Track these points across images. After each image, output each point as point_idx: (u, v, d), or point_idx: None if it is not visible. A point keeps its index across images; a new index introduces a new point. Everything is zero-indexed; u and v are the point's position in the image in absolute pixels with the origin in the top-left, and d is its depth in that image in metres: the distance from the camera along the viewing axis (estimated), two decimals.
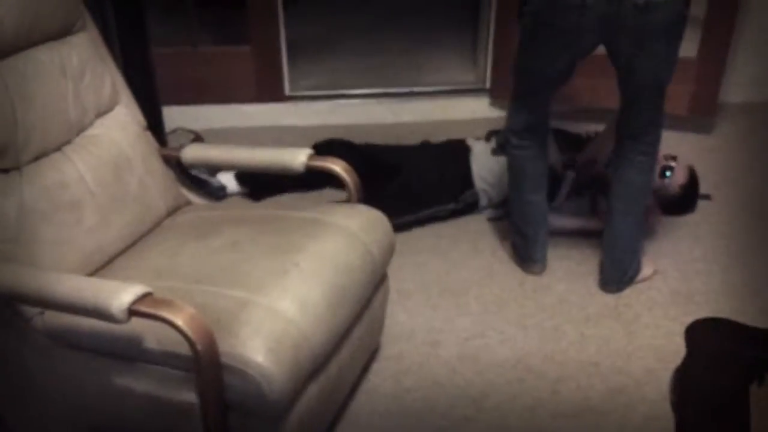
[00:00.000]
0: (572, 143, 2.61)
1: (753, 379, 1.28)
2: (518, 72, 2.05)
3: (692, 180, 2.40)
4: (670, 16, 1.77)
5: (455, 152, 2.58)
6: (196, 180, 2.54)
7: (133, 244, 1.66)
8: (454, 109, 3.20)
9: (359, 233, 1.63)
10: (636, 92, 1.95)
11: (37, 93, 1.53)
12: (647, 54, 1.84)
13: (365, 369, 1.85)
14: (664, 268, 2.25)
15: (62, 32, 1.63)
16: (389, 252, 1.73)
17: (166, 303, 1.24)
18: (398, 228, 2.30)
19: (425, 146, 2.75)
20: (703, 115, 2.98)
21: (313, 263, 1.50)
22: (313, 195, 2.58)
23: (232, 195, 2.60)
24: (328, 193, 2.56)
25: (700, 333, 1.42)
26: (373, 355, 1.90)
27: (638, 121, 2.00)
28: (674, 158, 2.34)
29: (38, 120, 1.53)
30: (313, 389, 1.45)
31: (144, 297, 1.24)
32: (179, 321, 1.22)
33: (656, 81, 1.91)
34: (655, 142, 2.02)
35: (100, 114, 1.70)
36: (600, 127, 2.55)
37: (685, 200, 2.39)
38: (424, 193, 2.46)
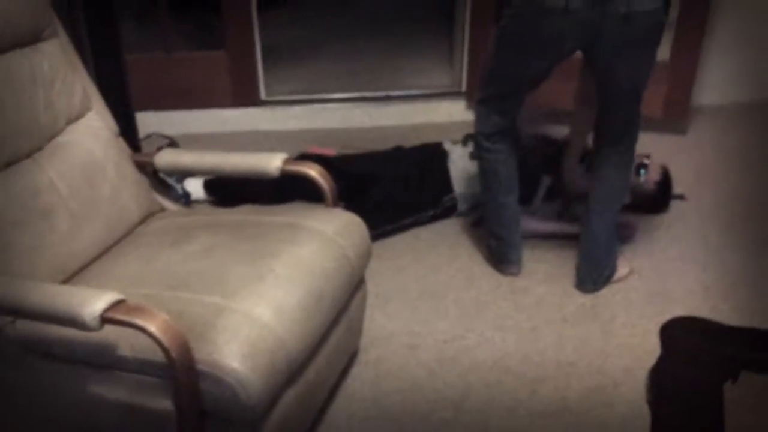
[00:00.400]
0: (548, 146, 2.63)
1: (728, 377, 1.30)
2: (493, 75, 2.05)
3: (665, 177, 2.49)
4: (650, 25, 1.81)
5: (432, 157, 2.58)
6: (163, 183, 2.51)
7: (107, 250, 1.64)
8: (431, 112, 3.21)
9: (335, 237, 1.63)
10: (613, 96, 1.97)
11: (6, 100, 1.51)
12: (625, 60, 1.86)
13: (344, 373, 1.84)
14: (639, 268, 2.28)
15: (31, 39, 1.60)
16: (366, 256, 1.73)
17: (139, 310, 1.23)
18: (380, 237, 2.30)
19: (401, 152, 2.74)
20: (676, 117, 3.02)
21: (288, 268, 1.49)
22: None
23: (197, 202, 2.57)
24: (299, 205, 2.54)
25: (675, 332, 1.43)
26: (351, 359, 1.89)
27: (616, 123, 2.02)
28: (648, 156, 2.42)
29: (8, 127, 1.51)
30: (290, 394, 1.44)
31: (117, 304, 1.23)
32: (153, 328, 1.20)
33: (633, 86, 1.94)
34: (633, 142, 2.06)
35: (71, 120, 1.68)
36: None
37: (660, 197, 2.49)
38: (406, 202, 2.46)
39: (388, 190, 2.49)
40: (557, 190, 2.48)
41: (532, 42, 1.89)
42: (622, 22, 1.76)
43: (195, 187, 2.57)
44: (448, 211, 2.53)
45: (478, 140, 2.16)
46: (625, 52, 1.84)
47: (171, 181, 2.53)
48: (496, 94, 2.08)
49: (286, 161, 1.75)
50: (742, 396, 1.28)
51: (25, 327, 1.37)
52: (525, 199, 2.33)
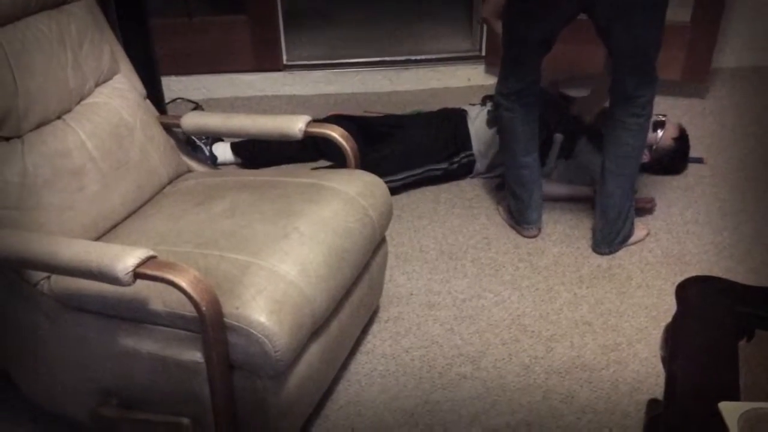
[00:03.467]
0: (563, 103, 2.64)
1: (742, 335, 1.32)
2: (506, 40, 2.08)
3: (683, 134, 2.50)
4: None
5: (451, 117, 2.60)
6: (192, 145, 2.56)
7: (136, 210, 1.69)
8: (450, 76, 3.21)
9: (358, 198, 1.67)
10: (620, 58, 1.98)
11: (36, 61, 1.55)
12: (627, 24, 1.86)
13: (365, 330, 1.90)
14: (656, 231, 2.29)
15: (59, 1, 1.63)
16: (387, 216, 1.76)
17: (170, 266, 1.27)
18: (390, 189, 2.32)
19: (421, 114, 2.77)
20: (696, 80, 2.99)
21: (312, 227, 1.54)
22: (307, 167, 2.61)
23: (224, 165, 2.62)
24: (323, 164, 2.58)
25: (690, 290, 1.45)
26: (372, 316, 1.94)
27: (629, 85, 2.02)
28: (664, 115, 2.45)
29: (38, 88, 1.55)
30: (314, 349, 1.49)
31: (148, 260, 1.27)
32: (183, 283, 1.25)
33: (639, 49, 1.93)
34: (647, 104, 2.05)
35: (100, 83, 1.72)
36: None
37: (677, 154, 2.50)
38: (415, 154, 2.49)
39: (402, 141, 2.52)
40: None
41: (533, 5, 1.91)
42: None
43: (223, 150, 2.62)
44: (465, 168, 2.55)
45: (497, 100, 2.19)
46: (625, 15, 1.84)
47: (200, 143, 2.58)
48: (511, 58, 2.10)
49: (310, 123, 1.78)
50: (756, 354, 1.30)
51: (60, 282, 1.43)
52: (540, 160, 2.36)
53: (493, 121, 2.49)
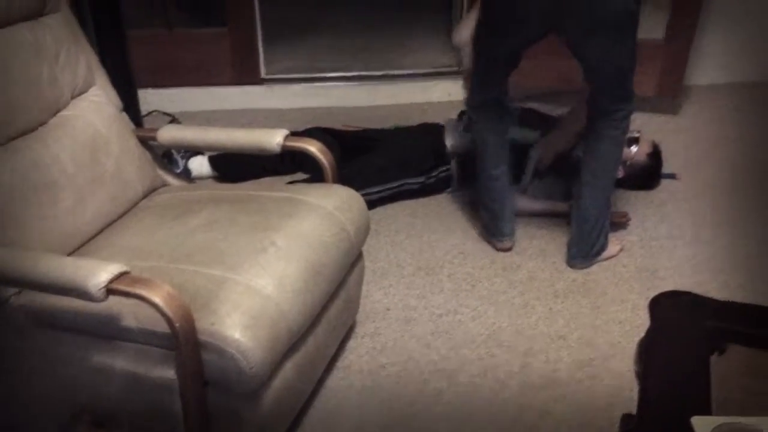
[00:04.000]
0: (544, 122, 2.66)
1: (714, 349, 1.34)
2: (476, 52, 2.12)
3: (656, 151, 2.55)
4: (617, 10, 1.82)
5: (428, 131, 2.62)
6: (167, 158, 2.55)
7: (111, 224, 1.67)
8: (429, 91, 3.23)
9: (335, 212, 1.67)
10: (595, 77, 2.01)
11: (11, 73, 1.53)
12: (596, 45, 1.90)
13: (341, 345, 1.89)
14: (630, 246, 2.32)
15: (35, 12, 1.62)
16: (365, 231, 1.76)
17: (143, 281, 1.26)
18: (367, 202, 2.32)
19: (400, 128, 2.79)
20: (669, 96, 3.05)
21: (289, 241, 1.53)
22: (285, 179, 2.60)
23: (200, 178, 2.61)
24: (301, 178, 2.58)
25: (663, 305, 1.47)
26: (349, 332, 1.94)
27: (604, 100, 2.06)
28: (638, 132, 2.50)
29: (13, 100, 1.53)
30: (290, 365, 1.48)
31: (121, 276, 1.25)
32: (157, 299, 1.23)
33: (612, 69, 1.97)
34: (625, 117, 2.09)
35: (76, 95, 1.71)
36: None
37: (651, 170, 2.54)
38: (392, 167, 2.49)
39: (379, 155, 2.52)
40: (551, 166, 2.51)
41: (502, 21, 1.94)
42: (585, 8, 1.80)
43: (199, 163, 2.60)
44: (441, 183, 2.56)
45: (467, 112, 2.23)
46: (593, 37, 1.87)
47: (177, 156, 2.57)
48: (480, 72, 2.14)
49: (287, 137, 1.78)
50: (728, 368, 1.32)
51: (31, 298, 1.41)
52: (517, 177, 2.38)
53: (467, 128, 2.52)
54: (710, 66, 3.34)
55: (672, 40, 2.91)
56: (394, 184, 2.49)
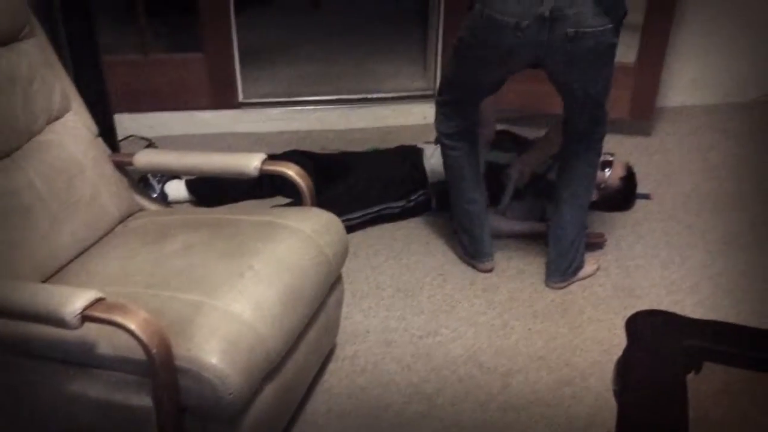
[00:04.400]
0: (519, 145, 2.70)
1: (691, 368, 1.35)
2: (450, 83, 2.14)
3: (630, 173, 2.59)
4: (599, 45, 1.86)
5: (407, 154, 2.64)
6: (144, 182, 2.53)
7: (86, 249, 1.66)
8: (406, 114, 3.26)
9: (313, 236, 1.67)
10: (573, 104, 2.05)
11: None
12: (578, 76, 1.94)
13: (321, 369, 1.88)
14: (606, 265, 2.35)
15: (9, 38, 1.62)
16: (343, 254, 1.76)
17: (119, 307, 1.25)
18: (347, 227, 2.32)
19: (378, 151, 2.80)
20: (642, 118, 3.10)
21: (267, 266, 1.53)
22: (264, 203, 2.60)
23: (177, 202, 2.59)
24: (280, 200, 2.58)
25: (639, 324, 1.48)
26: (329, 355, 1.93)
27: (580, 123, 2.10)
28: (612, 155, 2.53)
29: None
30: (268, 390, 1.47)
31: (97, 302, 1.24)
32: (133, 325, 1.22)
33: (590, 96, 2.01)
34: (600, 138, 2.14)
35: (51, 120, 1.70)
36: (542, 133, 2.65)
37: (625, 192, 2.58)
38: (372, 192, 2.50)
39: (359, 179, 2.53)
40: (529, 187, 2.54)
41: (485, 54, 1.96)
42: (570, 42, 1.83)
43: (176, 187, 2.58)
44: (421, 207, 2.57)
45: (440, 139, 2.24)
46: (576, 68, 1.91)
47: (153, 181, 2.55)
48: (453, 100, 2.16)
49: (265, 161, 1.78)
50: (705, 386, 1.33)
51: (4, 326, 1.38)
52: (493, 199, 2.40)
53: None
54: (681, 88, 3.42)
55: (643, 64, 2.98)
56: (375, 209, 2.50)
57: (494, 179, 2.43)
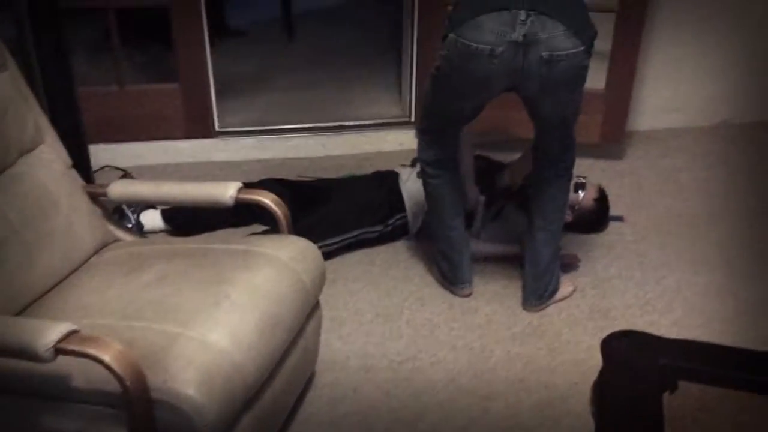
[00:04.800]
0: (494, 169, 2.73)
1: (666, 387, 1.37)
2: (430, 111, 2.17)
3: (602, 195, 2.64)
4: (573, 67, 1.90)
5: (383, 179, 2.66)
6: (119, 213, 2.51)
7: (60, 282, 1.64)
8: (381, 141, 3.29)
9: (290, 263, 1.67)
10: (545, 127, 2.09)
11: None
12: (552, 99, 1.98)
13: (301, 397, 1.86)
14: (582, 287, 2.37)
15: None
16: (321, 280, 1.76)
17: (92, 340, 1.24)
18: (325, 254, 2.32)
19: (354, 177, 2.82)
20: (612, 142, 3.16)
21: (244, 294, 1.52)
22: (241, 231, 2.59)
23: (152, 232, 2.58)
24: (257, 228, 2.58)
25: (614, 345, 1.50)
26: (308, 383, 1.91)
27: (551, 149, 2.14)
28: (584, 177, 2.58)
29: None
30: (246, 420, 1.46)
31: (70, 335, 1.23)
32: (107, 357, 1.21)
33: (562, 118, 2.05)
34: (570, 164, 2.18)
35: (23, 153, 1.69)
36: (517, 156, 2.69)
37: (598, 214, 2.62)
38: (349, 217, 2.51)
39: (335, 205, 2.54)
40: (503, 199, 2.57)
41: (462, 83, 1.99)
42: (545, 66, 1.87)
43: (152, 217, 2.57)
44: (399, 231, 2.58)
45: (421, 167, 2.26)
46: (550, 91, 1.95)
47: (128, 211, 2.53)
48: (433, 128, 2.19)
49: (241, 189, 1.78)
50: (681, 405, 1.34)
51: None
52: (466, 222, 2.42)
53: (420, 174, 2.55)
54: (650, 112, 3.49)
55: (612, 89, 3.05)
56: (353, 234, 2.50)
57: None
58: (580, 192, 2.56)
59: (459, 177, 2.25)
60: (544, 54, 1.85)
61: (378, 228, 2.54)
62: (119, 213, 2.52)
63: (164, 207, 2.59)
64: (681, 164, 3.22)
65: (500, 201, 2.56)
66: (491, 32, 1.85)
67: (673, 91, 3.48)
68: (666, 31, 3.31)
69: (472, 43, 1.87)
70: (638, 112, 3.42)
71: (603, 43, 2.93)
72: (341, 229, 2.48)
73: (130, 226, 2.51)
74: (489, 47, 1.86)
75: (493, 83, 1.95)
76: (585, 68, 1.95)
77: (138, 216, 2.55)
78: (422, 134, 2.23)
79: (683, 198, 2.94)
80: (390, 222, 2.56)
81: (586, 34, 1.89)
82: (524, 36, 1.84)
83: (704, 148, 3.37)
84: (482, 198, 2.51)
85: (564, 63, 1.87)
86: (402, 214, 2.57)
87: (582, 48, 1.88)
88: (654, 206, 2.88)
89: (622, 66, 3.01)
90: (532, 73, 1.89)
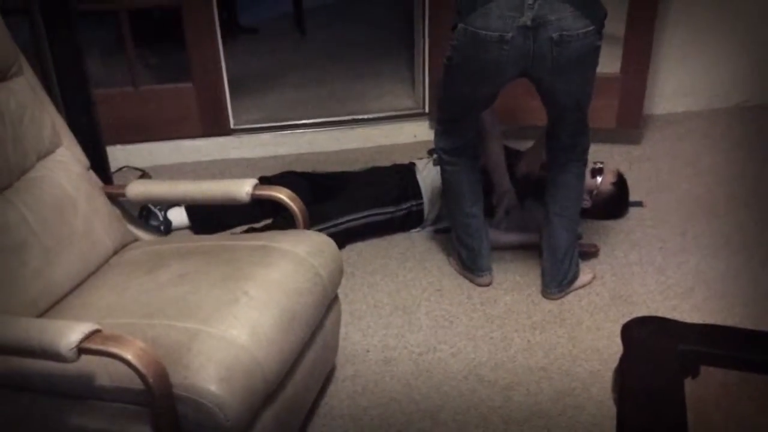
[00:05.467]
0: (512, 157, 2.72)
1: (688, 373, 1.36)
2: (444, 100, 2.16)
3: (621, 180, 2.61)
4: (584, 47, 1.89)
5: (400, 169, 2.66)
6: (147, 210, 2.55)
7: (81, 283, 1.66)
8: (396, 133, 3.28)
9: (308, 258, 1.67)
10: (558, 112, 2.08)
11: None
12: (564, 81, 1.96)
13: (322, 391, 1.88)
14: (602, 274, 2.36)
15: None
16: (338, 274, 1.77)
17: (115, 339, 1.25)
18: (335, 234, 2.31)
19: (372, 168, 2.83)
20: (629, 127, 3.13)
21: (262, 290, 1.53)
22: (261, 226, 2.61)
23: (179, 229, 2.60)
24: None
25: (635, 331, 1.49)
26: (329, 376, 1.93)
27: (565, 135, 2.12)
28: (602, 162, 2.56)
29: None
30: (268, 414, 1.47)
31: (93, 334, 1.25)
32: (129, 356, 1.23)
33: (575, 102, 2.04)
34: (584, 150, 2.16)
35: (41, 156, 1.71)
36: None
37: (617, 198, 2.60)
38: (359, 198, 2.50)
39: (350, 188, 2.55)
40: (527, 194, 2.55)
41: (474, 71, 1.98)
42: (555, 47, 1.86)
43: (178, 214, 2.60)
44: (412, 218, 2.57)
45: (439, 155, 2.26)
46: (563, 73, 1.93)
47: (155, 210, 2.57)
48: (450, 117, 2.18)
49: (256, 186, 1.79)
50: (702, 390, 1.33)
51: (1, 361, 1.38)
52: (488, 212, 2.41)
53: (437, 161, 2.55)
54: (667, 96, 3.45)
55: (628, 72, 3.01)
56: (362, 213, 2.49)
57: (487, 193, 2.44)
58: (597, 177, 2.55)
59: (477, 164, 2.25)
60: (554, 35, 1.84)
61: (389, 209, 2.52)
62: (147, 211, 2.56)
63: (187, 205, 2.61)
64: (698, 148, 3.18)
65: (519, 191, 2.55)
66: (500, 19, 1.84)
67: (688, 75, 3.44)
68: (680, 13, 3.27)
69: (481, 31, 1.86)
70: (654, 95, 3.38)
71: (617, 27, 2.90)
72: (351, 208, 2.48)
73: (157, 224, 2.55)
74: (498, 34, 1.85)
75: (504, 69, 1.94)
76: (597, 49, 1.93)
77: (165, 213, 2.58)
78: (440, 123, 2.23)
79: (702, 182, 2.90)
80: (403, 206, 2.54)
81: (595, 14, 1.88)
82: (533, 20, 1.83)
83: (721, 131, 3.32)
84: (513, 189, 2.50)
85: (575, 43, 1.86)
86: (417, 201, 2.56)
87: (592, 28, 1.86)
88: (673, 191, 2.85)
89: (637, 50, 2.97)
90: (543, 56, 1.88)
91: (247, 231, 2.48)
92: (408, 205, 2.55)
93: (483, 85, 2.03)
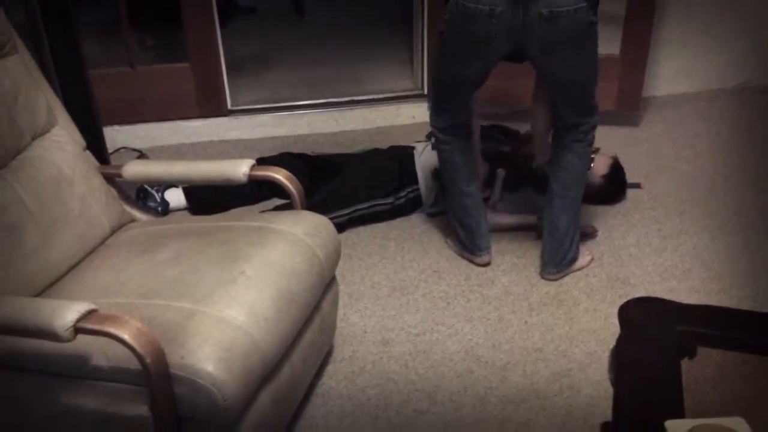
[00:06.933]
0: (510, 137, 2.71)
1: (684, 353, 1.36)
2: (437, 78, 2.16)
3: (614, 170, 2.56)
4: (575, 23, 1.87)
5: (398, 153, 2.64)
6: (144, 191, 2.54)
7: (78, 263, 1.66)
8: (395, 115, 3.27)
9: (305, 238, 1.67)
10: (557, 91, 2.06)
11: None
12: (557, 59, 1.95)
13: (319, 371, 1.88)
14: (600, 256, 2.36)
15: None
16: (336, 255, 1.77)
17: (111, 318, 1.25)
18: (337, 225, 2.31)
19: (371, 150, 2.81)
20: (629, 109, 3.12)
21: (259, 270, 1.53)
22: (260, 207, 2.60)
23: (177, 210, 2.59)
24: (276, 203, 2.58)
25: (631, 312, 1.49)
26: (326, 357, 1.93)
27: (567, 115, 2.11)
28: (596, 150, 2.49)
29: None
30: (266, 394, 1.47)
31: (89, 314, 1.25)
32: (126, 335, 1.23)
33: (574, 81, 2.02)
34: (590, 129, 2.14)
35: (37, 136, 1.70)
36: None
37: (608, 189, 2.57)
38: (360, 189, 2.50)
39: (348, 177, 2.54)
40: (522, 180, 2.53)
41: (465, 45, 1.97)
42: (545, 23, 1.84)
43: (175, 195, 2.59)
44: (412, 204, 2.57)
45: (434, 134, 2.25)
46: (555, 50, 1.92)
47: (152, 191, 2.56)
48: (443, 95, 2.17)
49: (254, 167, 1.78)
50: (699, 371, 1.34)
51: None
52: (484, 192, 2.41)
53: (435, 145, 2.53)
54: (666, 78, 3.43)
55: (627, 54, 2.99)
56: (364, 205, 2.50)
57: (484, 177, 2.44)
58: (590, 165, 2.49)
59: (472, 143, 2.24)
60: (544, 11, 1.82)
61: (389, 200, 2.53)
62: (144, 192, 2.55)
63: (185, 185, 2.60)
64: (697, 129, 3.17)
65: (522, 180, 2.52)
66: None
67: (688, 56, 3.41)
68: None
69: (471, 4, 1.86)
70: (654, 77, 3.36)
71: (617, 7, 2.88)
72: (352, 200, 2.49)
73: (154, 204, 2.54)
74: (488, 7, 1.84)
75: (494, 44, 1.93)
76: (590, 25, 1.91)
77: (162, 194, 2.57)
78: (433, 102, 2.23)
79: (700, 164, 2.90)
80: (402, 195, 2.55)
81: None
82: None
83: (720, 112, 3.31)
84: (501, 171, 2.48)
85: (565, 20, 1.84)
86: (414, 187, 2.56)
87: (584, 4, 1.84)
88: (671, 172, 2.84)
89: (637, 30, 2.95)
90: (533, 32, 1.87)
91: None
92: (406, 192, 2.55)
93: (474, 60, 2.01)
